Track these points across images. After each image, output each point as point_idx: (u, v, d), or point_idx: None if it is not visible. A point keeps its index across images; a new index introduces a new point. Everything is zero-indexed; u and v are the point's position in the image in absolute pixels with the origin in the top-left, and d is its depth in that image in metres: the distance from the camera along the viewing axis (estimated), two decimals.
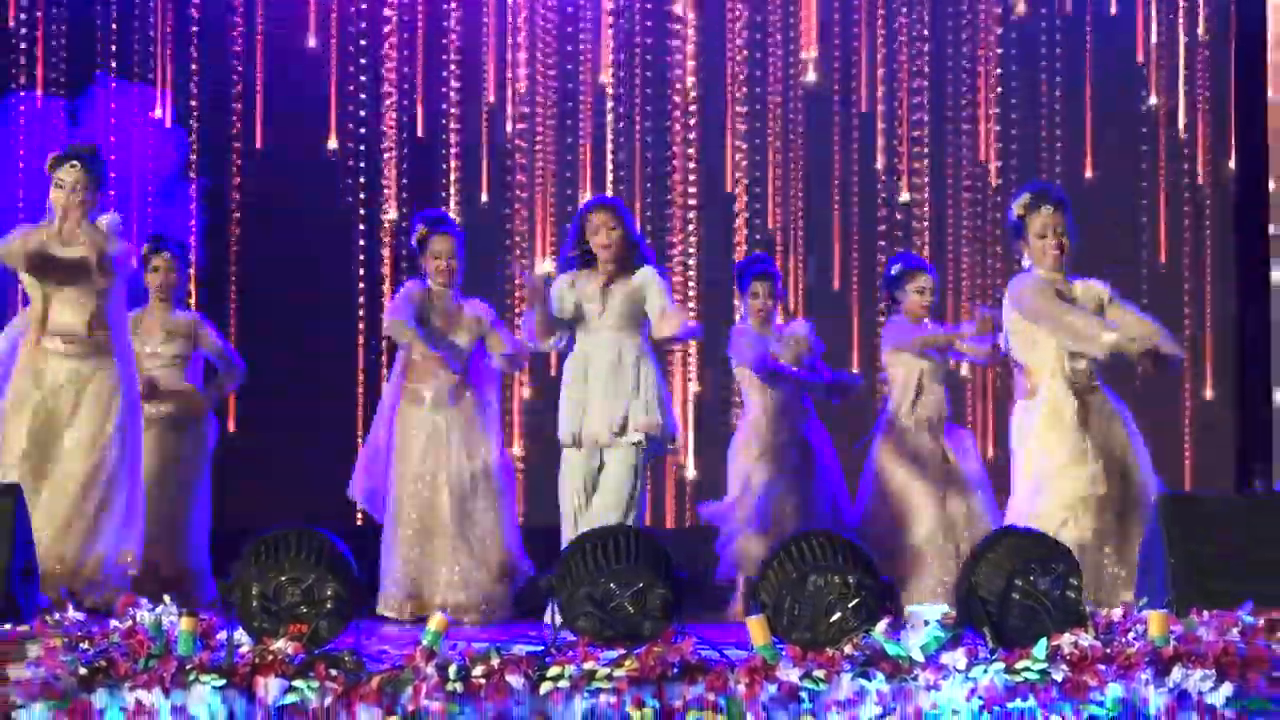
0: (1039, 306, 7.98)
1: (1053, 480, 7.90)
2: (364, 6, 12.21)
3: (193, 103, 12.03)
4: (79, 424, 8.55)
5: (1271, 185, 12.17)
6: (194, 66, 12.20)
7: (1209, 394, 12.11)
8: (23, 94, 11.61)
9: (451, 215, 10.96)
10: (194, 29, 12.14)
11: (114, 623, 6.33)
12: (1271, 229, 11.99)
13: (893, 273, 9.88)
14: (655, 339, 8.74)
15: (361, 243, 12.14)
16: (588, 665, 5.85)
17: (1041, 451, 8.02)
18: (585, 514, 8.56)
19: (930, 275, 9.69)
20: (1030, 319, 8.04)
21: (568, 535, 8.50)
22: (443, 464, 9.26)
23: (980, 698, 5.79)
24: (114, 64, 12.02)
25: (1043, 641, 5.92)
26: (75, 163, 8.55)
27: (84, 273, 8.49)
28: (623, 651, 5.91)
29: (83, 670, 5.90)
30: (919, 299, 9.54)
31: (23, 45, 11.81)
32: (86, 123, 11.13)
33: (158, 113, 11.82)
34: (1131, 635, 6.19)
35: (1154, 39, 12.43)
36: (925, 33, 12.51)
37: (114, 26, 12.05)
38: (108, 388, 8.59)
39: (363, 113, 12.18)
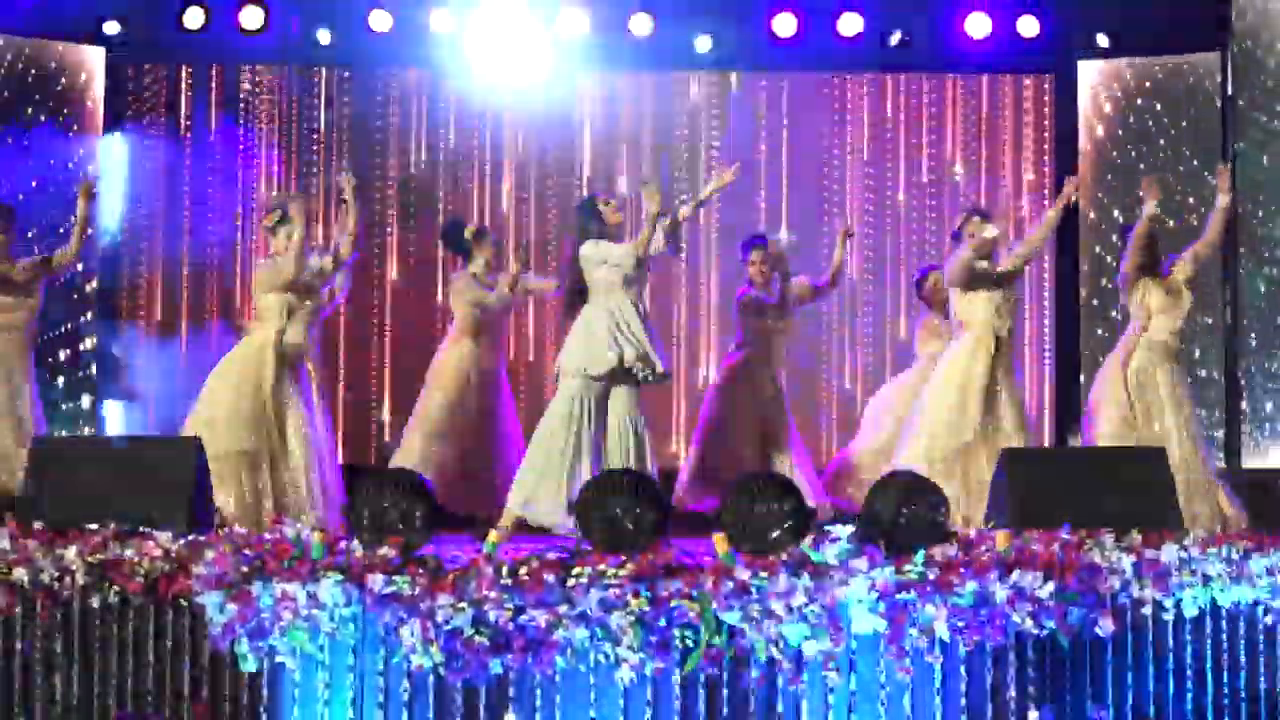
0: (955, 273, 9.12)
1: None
2: None
3: None
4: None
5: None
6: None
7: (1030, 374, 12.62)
8: None
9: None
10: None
11: (266, 534, 6.69)
12: None
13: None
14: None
15: None
16: (600, 567, 6.25)
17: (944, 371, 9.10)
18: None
19: None
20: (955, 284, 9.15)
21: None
22: None
23: (877, 591, 6.17)
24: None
25: (921, 552, 6.35)
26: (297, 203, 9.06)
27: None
28: (625, 558, 6.33)
29: (245, 568, 6.30)
30: None
31: None
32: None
33: None
34: (984, 548, 6.57)
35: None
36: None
37: None
38: None
39: None
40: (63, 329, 12.00)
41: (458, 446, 10.04)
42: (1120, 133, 12.65)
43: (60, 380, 11.99)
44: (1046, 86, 12.96)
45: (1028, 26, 12.39)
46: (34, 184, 11.61)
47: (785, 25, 12.39)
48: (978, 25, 12.37)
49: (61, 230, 10.65)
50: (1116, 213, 12.42)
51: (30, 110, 11.83)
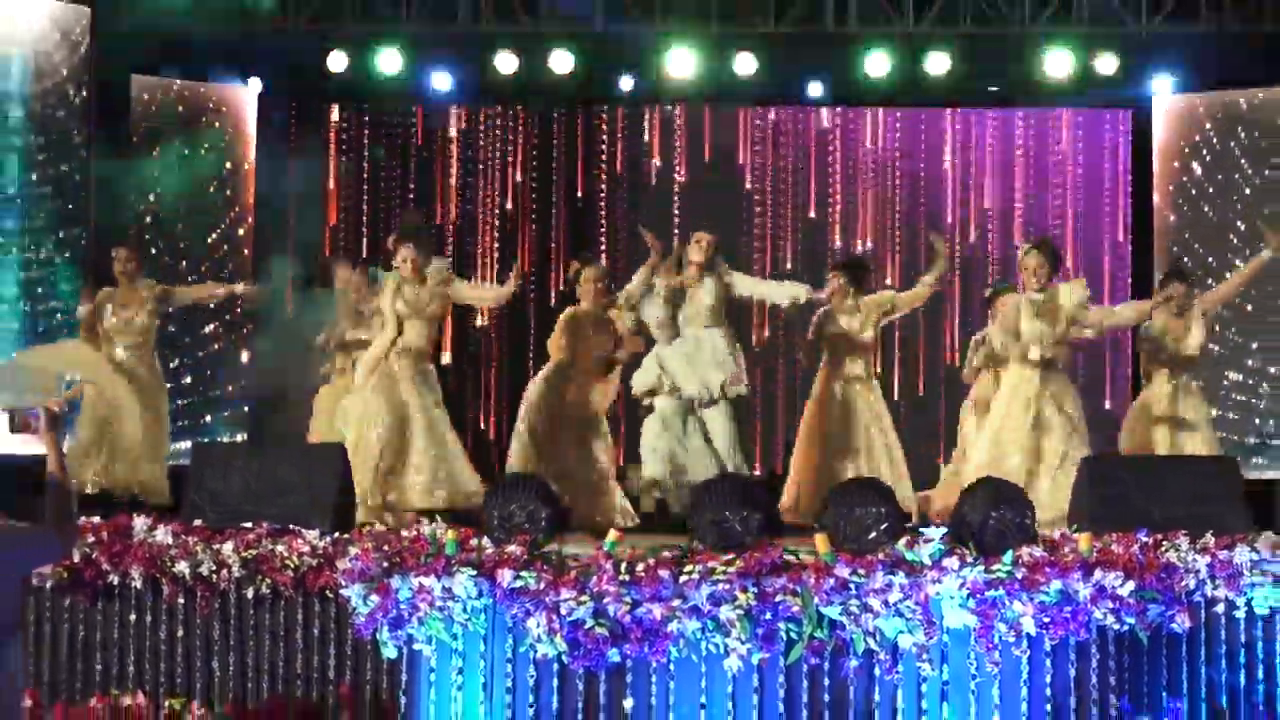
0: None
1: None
2: None
3: None
4: None
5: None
6: None
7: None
8: None
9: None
10: None
11: (404, 532, 6.86)
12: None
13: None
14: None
15: None
16: (710, 564, 6.38)
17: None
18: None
19: None
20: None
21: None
22: None
23: (968, 589, 6.30)
24: None
25: (1009, 552, 6.42)
26: (410, 243, 8.97)
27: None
28: (733, 555, 6.43)
29: (385, 563, 6.48)
30: None
31: None
32: None
33: None
34: (1067, 549, 6.61)
35: None
36: None
37: None
38: None
39: None
40: (220, 344, 12.57)
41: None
42: (1197, 167, 12.52)
43: (230, 388, 12.52)
44: (1124, 122, 12.88)
45: (1106, 64, 12.29)
46: (206, 186, 12.42)
47: (877, 64, 12.45)
48: (1057, 63, 12.30)
49: (210, 239, 12.05)
50: (1197, 244, 12.37)
51: (195, 139, 12.42)
